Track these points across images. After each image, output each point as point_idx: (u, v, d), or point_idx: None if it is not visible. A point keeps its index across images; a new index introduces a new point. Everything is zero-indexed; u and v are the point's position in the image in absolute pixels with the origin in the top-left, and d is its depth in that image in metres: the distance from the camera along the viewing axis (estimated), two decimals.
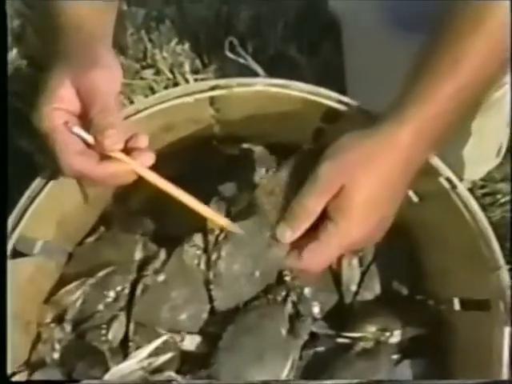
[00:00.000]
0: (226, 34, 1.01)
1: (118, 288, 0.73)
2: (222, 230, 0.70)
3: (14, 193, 0.63)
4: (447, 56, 0.56)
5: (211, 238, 0.71)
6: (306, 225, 0.57)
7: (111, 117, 0.56)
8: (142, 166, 0.57)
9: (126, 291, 0.73)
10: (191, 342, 0.71)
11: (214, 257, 0.71)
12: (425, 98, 0.55)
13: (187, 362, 0.71)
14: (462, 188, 0.65)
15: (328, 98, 0.67)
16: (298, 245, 0.58)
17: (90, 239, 0.80)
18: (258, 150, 0.75)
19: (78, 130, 0.57)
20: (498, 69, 0.57)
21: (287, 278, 0.74)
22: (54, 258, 0.74)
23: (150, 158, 0.58)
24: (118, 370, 0.66)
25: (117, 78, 0.60)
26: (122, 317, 0.72)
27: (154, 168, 0.59)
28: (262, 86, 0.67)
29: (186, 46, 1.11)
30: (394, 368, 0.70)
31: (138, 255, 0.76)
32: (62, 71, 0.58)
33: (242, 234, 0.65)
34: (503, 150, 0.98)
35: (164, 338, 0.70)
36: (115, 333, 0.71)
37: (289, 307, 0.72)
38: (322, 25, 1.09)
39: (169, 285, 0.72)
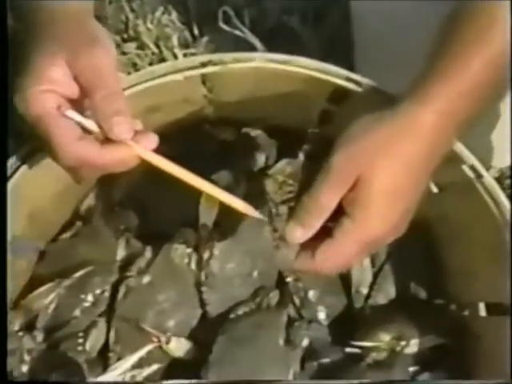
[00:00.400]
0: (220, 2, 1.00)
1: (97, 291, 0.72)
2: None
3: None
4: (475, 24, 0.54)
5: (203, 234, 0.70)
6: (319, 222, 0.55)
7: (118, 102, 0.55)
8: (145, 149, 0.56)
9: (107, 294, 0.72)
10: (178, 347, 0.70)
11: (206, 255, 0.71)
12: (450, 75, 0.54)
13: (174, 375, 0.69)
14: (488, 177, 0.63)
15: (335, 75, 0.65)
16: (310, 246, 0.56)
17: (66, 235, 0.78)
18: (257, 134, 0.74)
19: (72, 113, 0.55)
20: None
21: (289, 279, 0.73)
22: (24, 256, 0.73)
23: (153, 141, 0.56)
24: None
25: (115, 56, 0.58)
26: (102, 323, 0.71)
27: None
28: (261, 62, 0.66)
29: (174, 15, 1.08)
30: (411, 382, 0.69)
31: (120, 253, 0.75)
32: (51, 51, 0.55)
33: (264, 219, 0.62)
34: None
35: (149, 347, 0.68)
36: (94, 342, 0.70)
37: (285, 313, 0.71)
38: None
39: (155, 287, 0.72)
